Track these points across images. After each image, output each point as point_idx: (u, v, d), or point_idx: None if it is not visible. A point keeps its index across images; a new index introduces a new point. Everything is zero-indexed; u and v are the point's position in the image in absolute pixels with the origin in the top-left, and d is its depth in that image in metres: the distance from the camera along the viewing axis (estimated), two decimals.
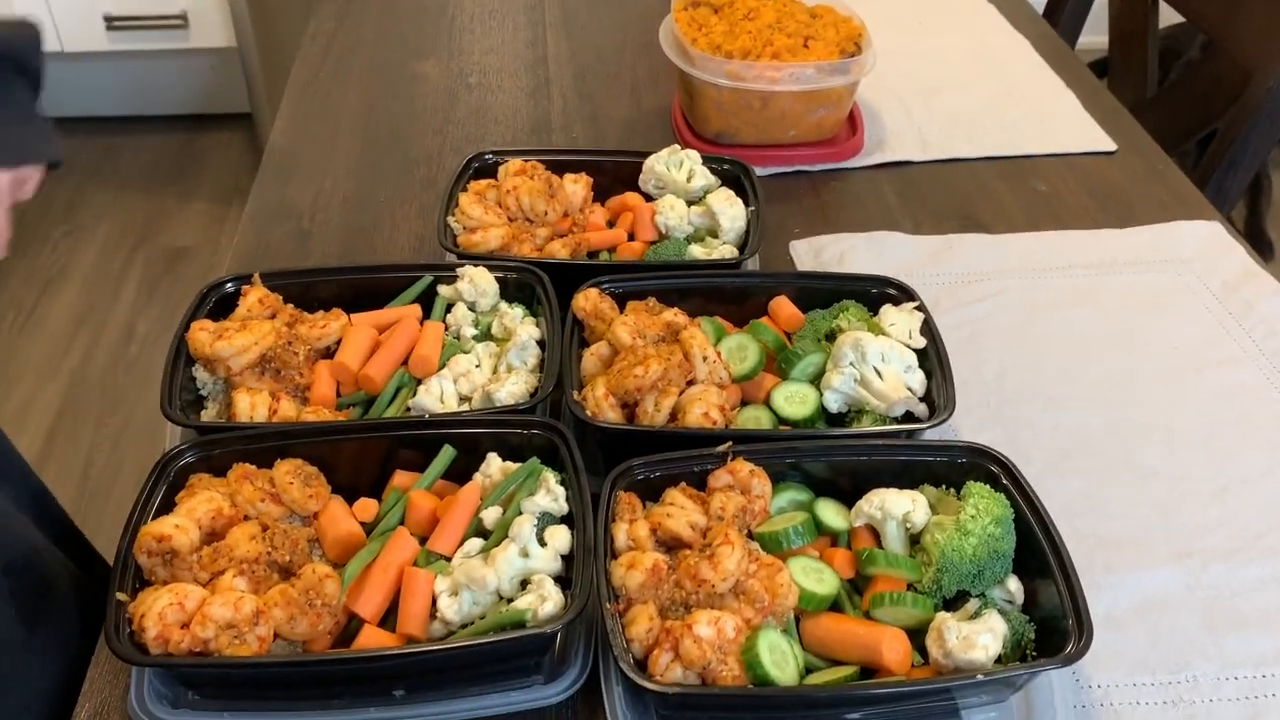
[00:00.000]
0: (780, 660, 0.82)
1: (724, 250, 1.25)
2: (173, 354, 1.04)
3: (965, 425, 1.13)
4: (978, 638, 0.83)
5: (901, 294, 1.13)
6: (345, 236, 1.40)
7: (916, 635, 0.87)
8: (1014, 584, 0.90)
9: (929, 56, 1.80)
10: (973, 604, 0.88)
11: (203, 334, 1.03)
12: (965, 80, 1.73)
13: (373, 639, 0.85)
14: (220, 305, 1.10)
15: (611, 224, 1.31)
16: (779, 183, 1.50)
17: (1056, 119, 1.64)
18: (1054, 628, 0.84)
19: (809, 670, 0.86)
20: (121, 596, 0.83)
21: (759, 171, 1.34)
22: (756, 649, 0.81)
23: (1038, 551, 0.88)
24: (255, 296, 1.08)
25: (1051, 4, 2.15)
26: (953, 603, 0.89)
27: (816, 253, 1.37)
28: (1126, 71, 2.01)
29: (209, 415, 1.04)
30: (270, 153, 1.56)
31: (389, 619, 0.88)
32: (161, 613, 0.80)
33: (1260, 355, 1.22)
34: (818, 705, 0.84)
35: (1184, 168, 1.55)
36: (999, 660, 0.84)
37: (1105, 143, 1.59)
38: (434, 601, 0.87)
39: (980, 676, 0.80)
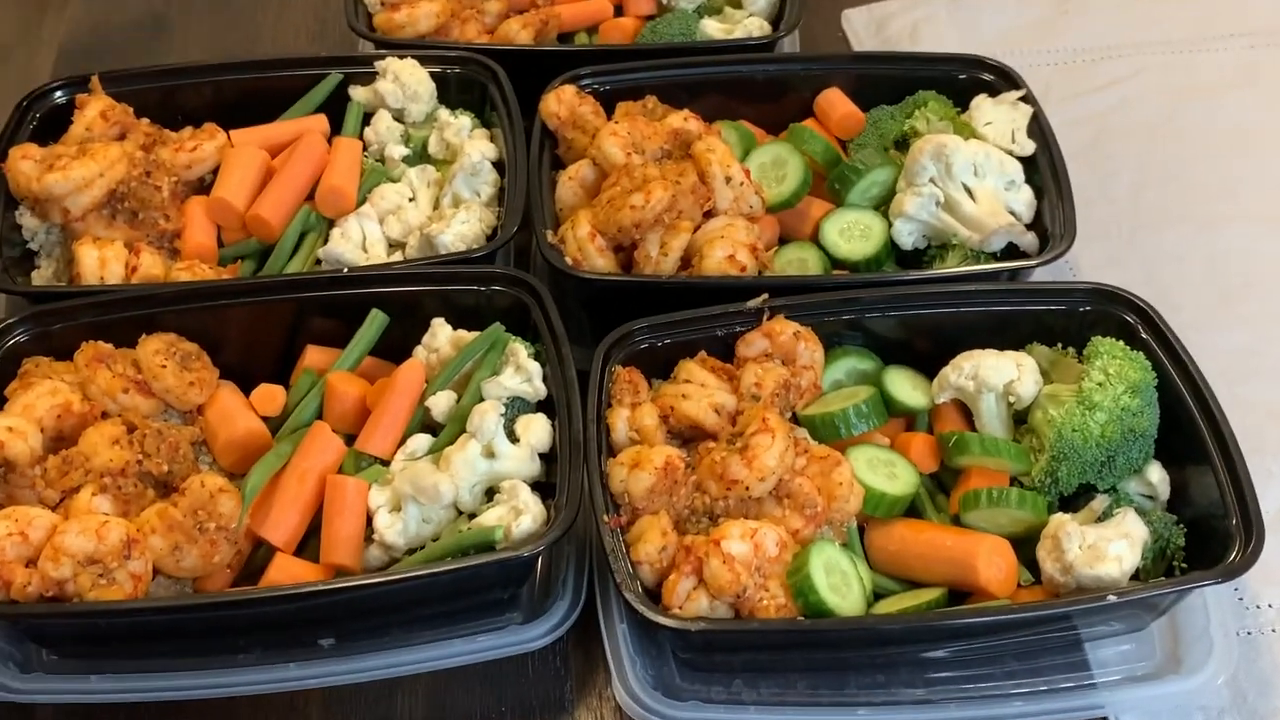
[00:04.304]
0: (840, 584, 0.83)
1: (750, 25, 1.23)
2: None
3: (1087, 261, 1.14)
4: (1108, 546, 0.83)
5: (1001, 80, 1.12)
6: (216, 22, 1.39)
7: (1024, 546, 0.88)
8: (1156, 474, 0.90)
9: None
10: (1100, 502, 0.89)
11: (26, 163, 1.02)
12: None
13: (287, 572, 0.86)
14: (47, 123, 1.09)
15: None
16: None
17: None
18: (1211, 531, 0.85)
19: (878, 596, 0.87)
20: None
21: None
22: (809, 570, 0.82)
23: (1189, 430, 0.88)
24: (96, 109, 1.07)
25: None
26: (1073, 501, 0.90)
27: (879, 26, 1.37)
28: None
29: (43, 277, 1.04)
30: None
31: (308, 545, 0.88)
32: None
33: None
34: (891, 641, 0.85)
35: None
36: (1136, 575, 0.85)
37: None
38: (369, 521, 0.87)
39: (1112, 598, 0.81)
